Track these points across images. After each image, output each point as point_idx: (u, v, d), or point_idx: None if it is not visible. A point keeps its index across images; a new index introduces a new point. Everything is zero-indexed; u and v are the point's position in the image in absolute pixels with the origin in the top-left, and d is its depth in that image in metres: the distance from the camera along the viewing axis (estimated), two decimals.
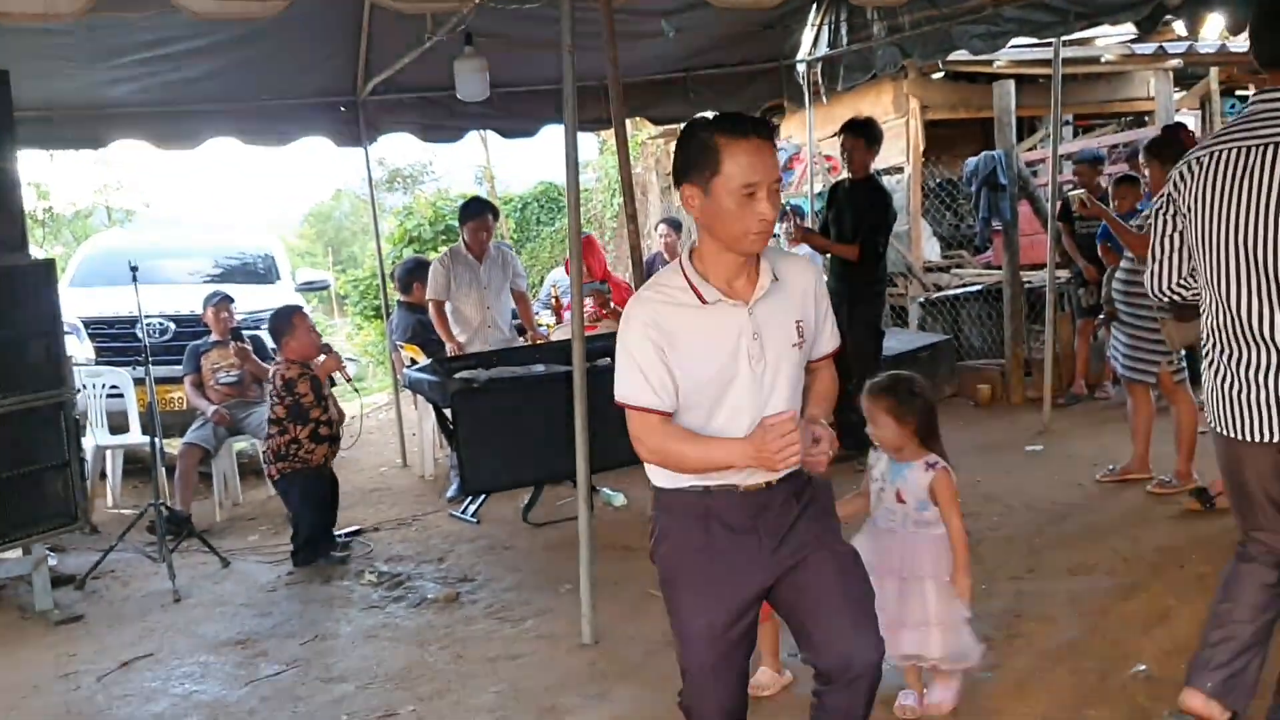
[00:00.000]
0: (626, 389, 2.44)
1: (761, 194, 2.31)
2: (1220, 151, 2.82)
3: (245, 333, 6.90)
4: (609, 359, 5.99)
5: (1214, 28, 6.75)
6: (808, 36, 7.98)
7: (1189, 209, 2.89)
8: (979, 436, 6.80)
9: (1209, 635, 2.95)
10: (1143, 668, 3.60)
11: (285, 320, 5.64)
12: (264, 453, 5.78)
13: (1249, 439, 2.81)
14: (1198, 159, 2.89)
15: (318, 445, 5.50)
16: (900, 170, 9.48)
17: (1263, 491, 2.86)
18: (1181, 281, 2.99)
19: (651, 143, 13.37)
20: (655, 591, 4.34)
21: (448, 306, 6.82)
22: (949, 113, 9.56)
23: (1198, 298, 2.98)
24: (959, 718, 3.36)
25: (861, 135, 6.25)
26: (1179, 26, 6.81)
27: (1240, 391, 2.81)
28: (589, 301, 7.75)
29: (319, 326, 6.66)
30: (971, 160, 8.58)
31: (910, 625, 3.24)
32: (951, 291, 8.85)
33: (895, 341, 7.90)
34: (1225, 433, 2.88)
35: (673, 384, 2.41)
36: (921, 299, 8.90)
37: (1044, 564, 4.63)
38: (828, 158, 9.60)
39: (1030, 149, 9.98)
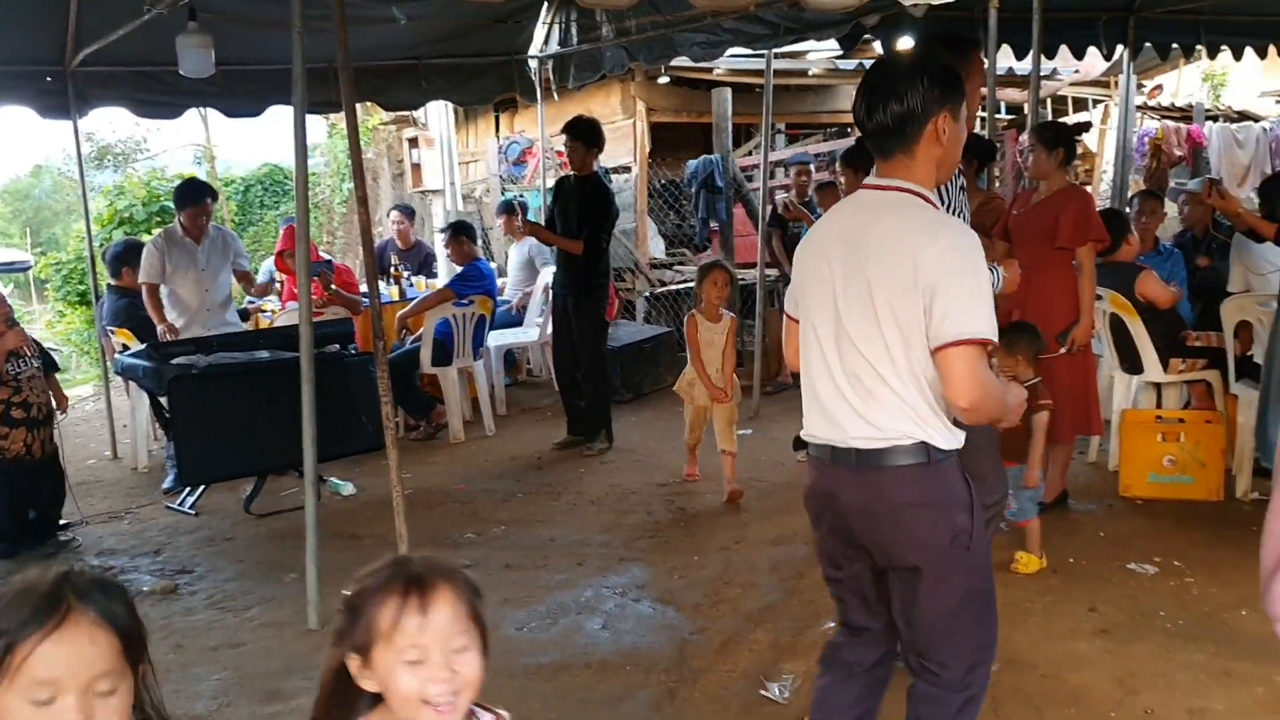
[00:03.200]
0: (989, 320, 2.25)
1: None
2: None
3: None
4: (336, 345, 6.03)
5: (907, 47, 7.43)
6: (540, 34, 8.17)
7: None
8: None
9: None
10: (831, 625, 3.98)
11: None
12: None
13: None
14: None
15: (12, 429, 5.16)
16: (628, 170, 9.83)
17: None
18: None
19: (384, 128, 13.19)
20: None
21: (164, 290, 6.55)
22: (673, 116, 9.99)
23: None
24: (667, 674, 3.63)
25: (580, 137, 6.42)
26: (879, 46, 7.46)
27: None
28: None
29: (14, 312, 6.23)
30: (692, 163, 9.03)
31: None
32: (674, 287, 9.29)
33: (621, 333, 8.23)
34: None
35: None
36: (647, 293, 9.28)
37: (750, 536, 5.01)
38: (559, 153, 9.83)
39: (747, 154, 10.58)
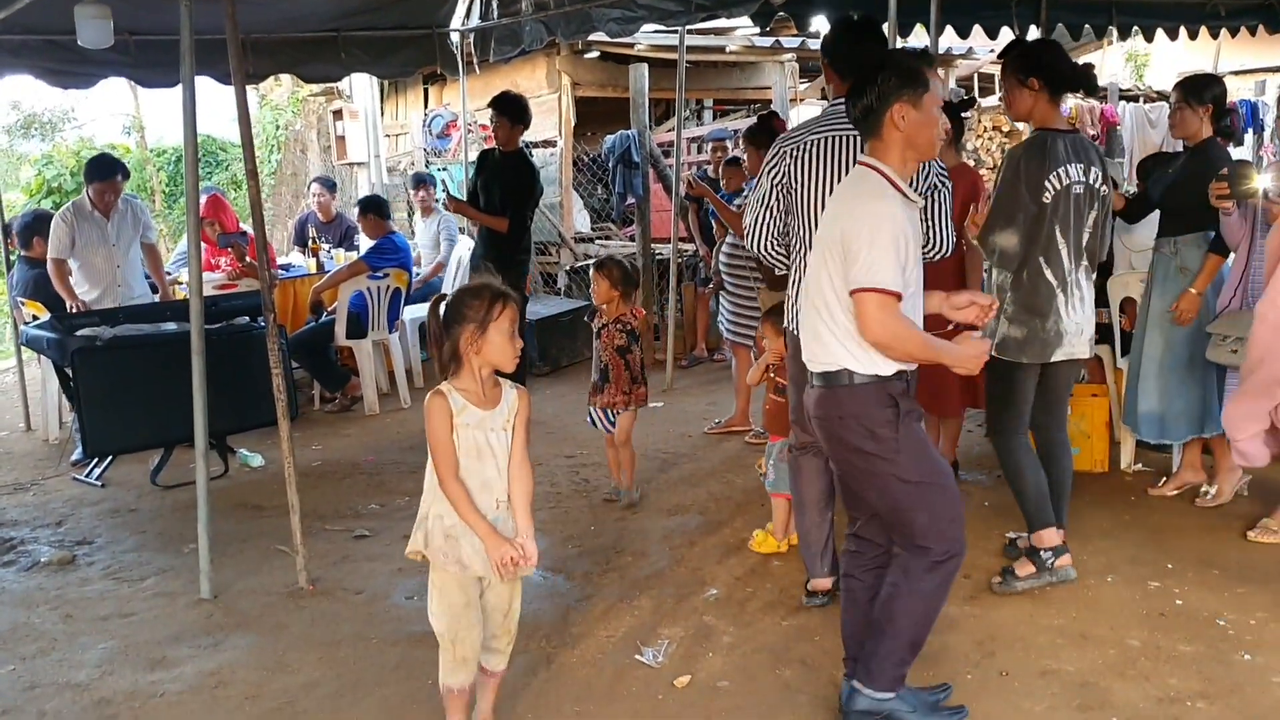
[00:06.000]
0: (888, 275, 2.72)
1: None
2: (819, 139, 3.59)
3: None
4: (247, 318, 6.04)
5: (824, 25, 7.52)
6: (462, 6, 8.15)
7: (797, 182, 3.60)
8: None
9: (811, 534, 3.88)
10: (714, 592, 4.11)
11: None
12: None
13: None
14: (803, 142, 3.60)
15: None
16: (553, 144, 9.85)
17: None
18: (775, 242, 3.73)
19: (313, 100, 13.08)
20: (281, 547, 4.53)
21: (75, 264, 6.51)
22: (598, 91, 10.02)
23: (786, 260, 3.74)
24: (547, 639, 3.72)
25: (506, 113, 6.37)
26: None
27: None
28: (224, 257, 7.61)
29: None
30: (609, 138, 9.07)
31: None
32: (595, 260, 9.33)
33: (542, 307, 8.29)
34: None
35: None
36: (568, 267, 9.33)
37: (648, 505, 5.11)
38: (483, 126, 9.81)
39: (670, 130, 10.63)
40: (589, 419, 5.21)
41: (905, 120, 2.82)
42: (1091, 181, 3.84)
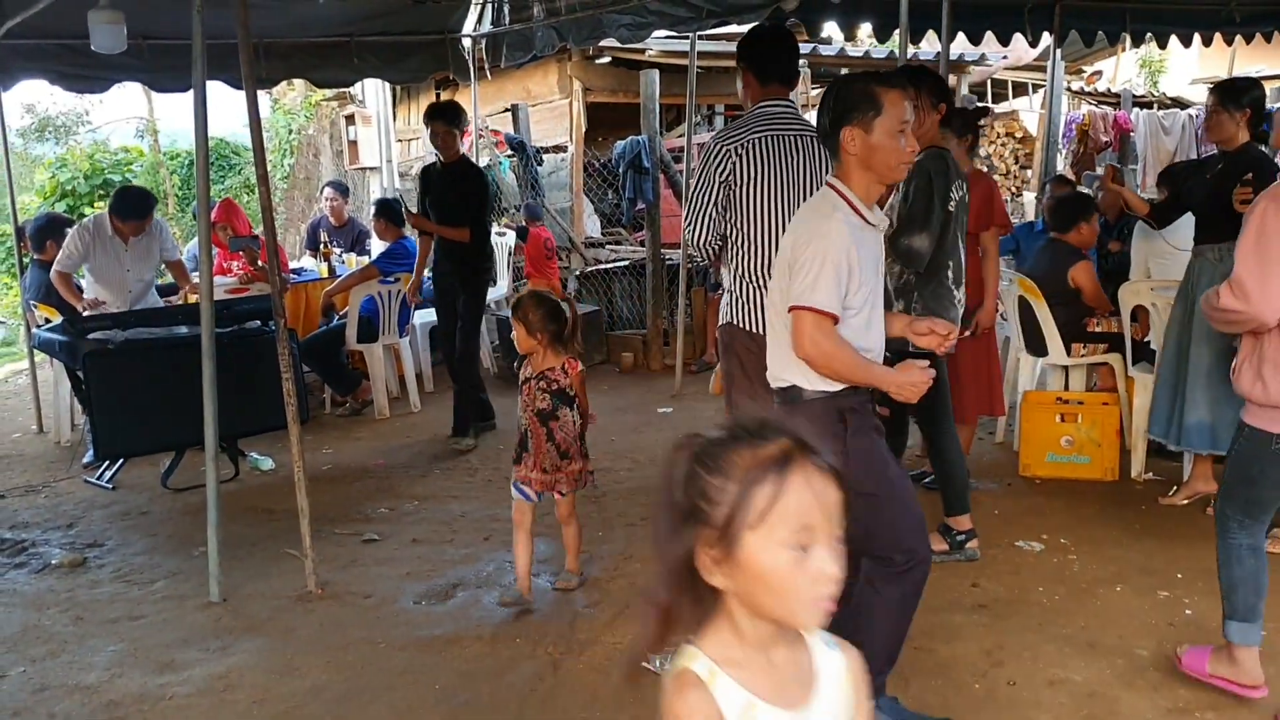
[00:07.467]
0: (824, 296, 2.70)
1: (908, 131, 2.81)
2: (762, 138, 3.74)
3: None
4: (258, 321, 6.05)
5: (832, 31, 7.57)
6: (474, 12, 8.18)
7: (741, 180, 3.74)
8: (618, 399, 7.30)
9: None
10: None
11: None
12: None
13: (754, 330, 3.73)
14: (746, 141, 3.74)
15: None
16: (564, 149, 9.86)
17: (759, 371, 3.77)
18: (716, 239, 3.86)
19: (325, 104, 13.13)
20: (291, 550, 4.54)
21: (89, 279, 6.54)
22: (610, 96, 10.04)
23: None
24: (554, 646, 3.72)
25: (446, 118, 6.24)
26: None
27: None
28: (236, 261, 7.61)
29: None
30: (619, 144, 9.08)
31: None
32: (605, 265, 9.34)
33: None
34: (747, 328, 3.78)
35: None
36: (578, 272, 9.34)
37: None
38: (495, 132, 9.84)
39: (681, 135, 10.64)
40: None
41: (856, 144, 2.78)
42: (962, 199, 4.20)
